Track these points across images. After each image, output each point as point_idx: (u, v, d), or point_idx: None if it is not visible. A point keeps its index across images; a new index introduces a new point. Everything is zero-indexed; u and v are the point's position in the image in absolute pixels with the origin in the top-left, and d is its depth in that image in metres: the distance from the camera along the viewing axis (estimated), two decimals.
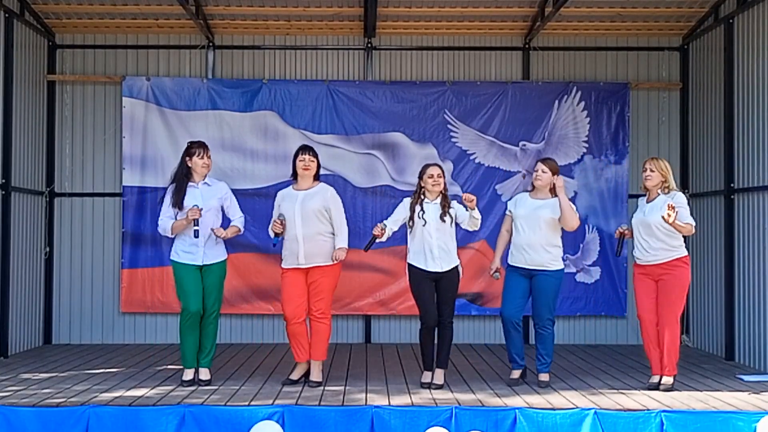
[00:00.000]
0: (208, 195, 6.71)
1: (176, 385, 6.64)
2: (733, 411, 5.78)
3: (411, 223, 6.69)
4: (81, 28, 9.40)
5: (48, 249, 9.23)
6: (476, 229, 6.84)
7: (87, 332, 9.33)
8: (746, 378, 7.15)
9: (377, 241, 6.71)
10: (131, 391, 6.36)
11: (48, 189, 9.25)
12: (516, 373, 6.83)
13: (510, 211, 6.90)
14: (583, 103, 9.34)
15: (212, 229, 6.61)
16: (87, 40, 9.51)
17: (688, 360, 8.21)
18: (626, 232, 6.78)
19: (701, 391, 6.57)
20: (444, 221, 6.63)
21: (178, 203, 6.61)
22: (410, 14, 9.10)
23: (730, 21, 8.38)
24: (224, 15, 9.16)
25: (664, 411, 5.75)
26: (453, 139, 9.33)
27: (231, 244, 8.85)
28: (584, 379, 7.07)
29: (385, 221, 6.77)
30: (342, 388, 6.61)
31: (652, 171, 6.65)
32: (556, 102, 9.33)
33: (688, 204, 6.70)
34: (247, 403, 5.96)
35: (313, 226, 6.62)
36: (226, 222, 6.84)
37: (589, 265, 9.34)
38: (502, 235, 6.98)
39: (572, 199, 9.17)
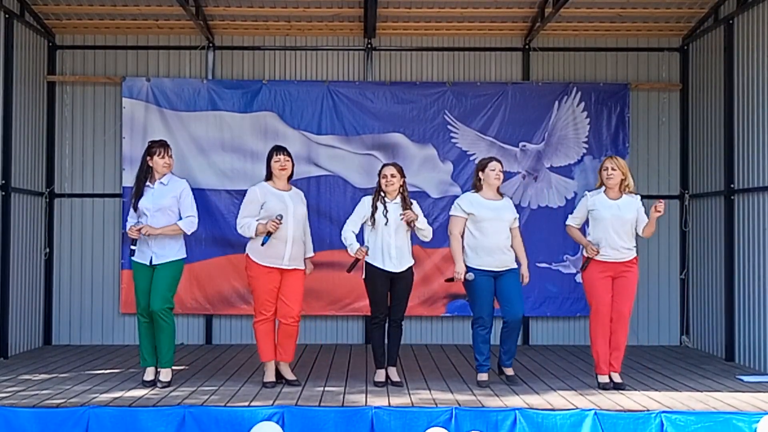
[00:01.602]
0: (160, 194, 6.65)
1: (176, 385, 6.64)
2: (733, 411, 5.78)
3: (372, 222, 6.73)
4: (81, 28, 9.40)
5: (48, 250, 9.23)
6: (427, 239, 6.88)
7: (87, 333, 9.33)
8: (746, 378, 7.15)
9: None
10: (131, 392, 6.36)
11: (48, 190, 9.25)
12: (485, 375, 6.82)
13: (470, 213, 6.76)
14: (583, 104, 9.34)
15: (138, 228, 6.54)
16: (87, 41, 9.51)
17: (688, 360, 8.22)
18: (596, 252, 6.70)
19: (701, 391, 6.57)
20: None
21: (134, 206, 6.67)
22: (410, 15, 9.10)
23: (730, 21, 8.38)
24: (224, 16, 9.16)
25: (664, 411, 5.75)
26: (453, 140, 9.33)
27: (231, 245, 8.97)
28: (584, 380, 7.07)
29: (347, 225, 6.80)
30: (342, 388, 6.61)
31: (614, 170, 6.68)
32: (556, 103, 9.33)
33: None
34: (247, 404, 5.96)
35: (299, 231, 6.72)
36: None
37: None
38: (458, 239, 6.79)
39: (572, 200, 9.25)
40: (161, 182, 6.71)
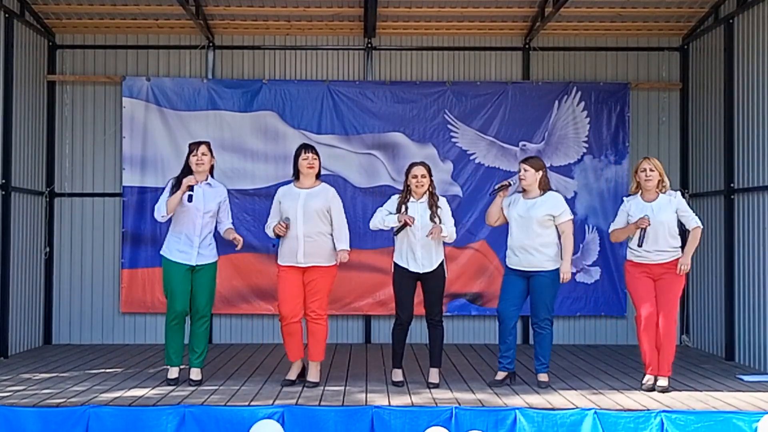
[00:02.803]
0: (210, 197, 6.68)
1: (175, 384, 6.64)
2: (733, 411, 5.78)
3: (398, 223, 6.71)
4: (81, 28, 9.40)
5: (48, 249, 9.23)
6: (451, 240, 6.85)
7: (87, 332, 9.33)
8: (746, 378, 7.15)
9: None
10: (131, 391, 6.36)
11: (48, 189, 9.25)
12: (501, 375, 6.81)
13: (504, 207, 6.84)
14: (583, 104, 9.34)
15: (234, 238, 6.65)
16: (87, 40, 9.51)
17: (688, 360, 8.22)
18: (647, 221, 6.54)
19: (701, 391, 6.57)
20: (434, 222, 6.66)
21: (171, 211, 6.58)
22: (410, 14, 9.10)
23: (730, 21, 8.38)
24: (224, 15, 9.16)
25: (664, 411, 5.75)
26: (453, 140, 9.34)
27: (231, 245, 8.90)
28: (584, 379, 7.08)
29: (382, 209, 6.79)
30: (342, 388, 6.61)
31: (652, 171, 6.56)
32: (556, 102, 9.33)
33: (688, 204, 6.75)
34: (247, 403, 5.96)
35: (314, 226, 6.62)
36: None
37: (589, 266, 9.34)
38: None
39: (572, 199, 9.25)
40: (208, 183, 6.71)
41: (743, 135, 8.16)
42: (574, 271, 9.23)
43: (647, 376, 6.66)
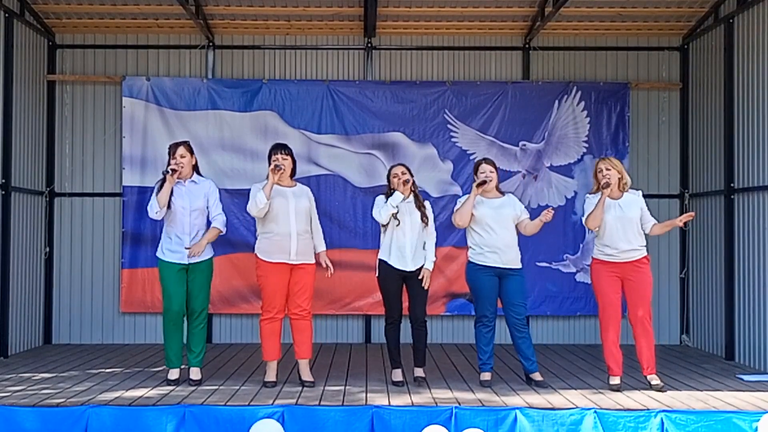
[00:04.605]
0: (195, 194, 6.68)
1: (176, 385, 6.63)
2: (733, 411, 5.78)
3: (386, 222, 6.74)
4: (81, 28, 9.40)
5: (48, 249, 9.23)
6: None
7: (87, 332, 9.33)
8: (746, 378, 7.15)
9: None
10: (131, 391, 6.36)
11: (48, 189, 9.25)
12: (488, 375, 6.82)
13: (472, 214, 6.77)
14: (583, 103, 9.34)
15: (187, 248, 6.55)
16: (87, 40, 9.51)
17: (688, 360, 8.22)
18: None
19: (701, 391, 6.57)
20: (424, 222, 6.77)
21: (164, 203, 6.55)
22: (410, 14, 9.10)
23: (730, 21, 8.38)
24: (224, 15, 9.16)
25: (664, 411, 5.75)
26: (453, 139, 9.34)
27: (231, 245, 8.98)
28: (584, 379, 7.07)
29: (376, 208, 6.79)
30: (342, 387, 6.61)
31: (608, 170, 6.61)
32: (556, 102, 9.34)
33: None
34: (247, 403, 5.96)
35: (303, 224, 6.72)
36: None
37: (589, 265, 9.31)
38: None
39: (572, 199, 9.25)
40: (193, 180, 6.72)
41: (743, 135, 8.16)
42: (574, 271, 9.27)
43: (613, 378, 6.62)
